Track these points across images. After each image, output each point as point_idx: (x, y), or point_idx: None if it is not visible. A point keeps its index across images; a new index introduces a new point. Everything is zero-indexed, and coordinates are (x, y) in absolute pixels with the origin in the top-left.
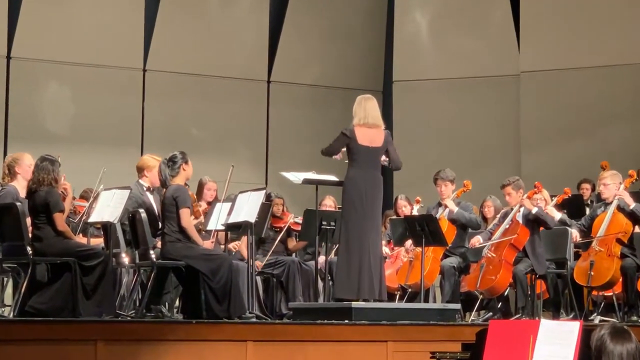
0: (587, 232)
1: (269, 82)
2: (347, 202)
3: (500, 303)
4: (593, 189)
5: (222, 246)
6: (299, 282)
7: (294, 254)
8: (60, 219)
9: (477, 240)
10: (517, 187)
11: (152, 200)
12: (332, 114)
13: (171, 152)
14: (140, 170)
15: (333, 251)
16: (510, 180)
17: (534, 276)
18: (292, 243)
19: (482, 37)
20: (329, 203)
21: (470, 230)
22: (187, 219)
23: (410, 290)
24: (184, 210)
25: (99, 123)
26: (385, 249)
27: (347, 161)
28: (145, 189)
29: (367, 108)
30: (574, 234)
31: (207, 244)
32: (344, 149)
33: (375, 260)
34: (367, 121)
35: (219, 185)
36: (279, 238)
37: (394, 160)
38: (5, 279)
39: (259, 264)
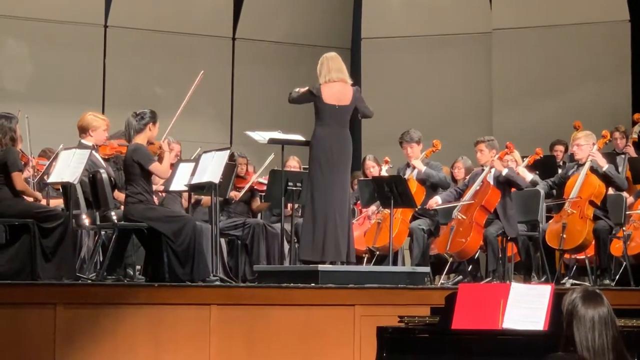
0: (557, 190)
1: (234, 39)
2: (313, 161)
3: (470, 266)
4: (566, 151)
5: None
6: (263, 245)
7: (259, 216)
8: (19, 178)
9: (434, 202)
10: (491, 146)
11: (100, 159)
12: (298, 71)
13: (133, 111)
14: (84, 130)
15: (300, 212)
16: (485, 138)
17: (505, 239)
18: (256, 203)
19: None
20: (294, 164)
21: (440, 190)
22: (162, 171)
23: (378, 252)
24: (153, 166)
25: (58, 81)
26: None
27: None
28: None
29: (330, 64)
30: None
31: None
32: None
33: (342, 221)
34: (331, 76)
35: (183, 144)
36: (239, 196)
37: (364, 113)
38: None
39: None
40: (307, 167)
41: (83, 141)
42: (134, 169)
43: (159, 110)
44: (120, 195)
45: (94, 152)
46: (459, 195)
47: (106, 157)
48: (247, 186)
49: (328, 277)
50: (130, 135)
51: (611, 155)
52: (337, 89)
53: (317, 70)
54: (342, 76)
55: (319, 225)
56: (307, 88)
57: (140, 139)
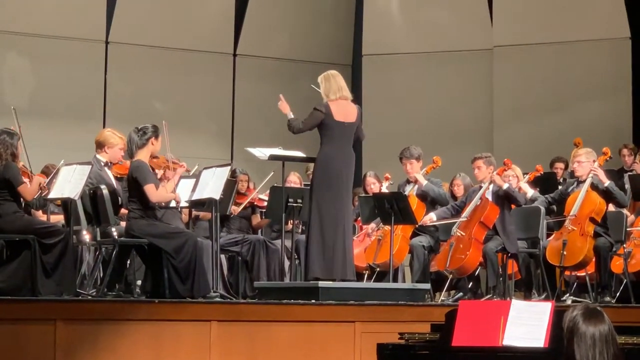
0: (556, 206)
1: (234, 55)
2: (322, 179)
3: (470, 283)
4: (566, 168)
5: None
6: (263, 261)
7: (259, 232)
8: (25, 190)
9: (429, 218)
10: (489, 163)
11: (111, 176)
12: (299, 88)
13: (134, 127)
14: (101, 145)
15: (300, 229)
16: (483, 155)
17: (505, 255)
18: (257, 220)
19: (455, 10)
20: (294, 179)
21: (438, 207)
22: (155, 194)
23: (378, 269)
24: (147, 187)
25: (59, 96)
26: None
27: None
28: (103, 164)
29: (339, 82)
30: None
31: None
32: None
33: (348, 239)
34: (342, 94)
35: (184, 161)
36: (239, 211)
37: (360, 135)
38: None
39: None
40: (309, 183)
41: (98, 156)
42: (134, 185)
43: (160, 126)
44: (125, 212)
45: (106, 168)
46: (456, 212)
47: (119, 175)
48: (247, 201)
49: (328, 293)
50: (132, 151)
51: (617, 172)
52: (344, 106)
53: (324, 87)
54: (347, 95)
55: (328, 244)
56: (316, 113)
57: (143, 155)
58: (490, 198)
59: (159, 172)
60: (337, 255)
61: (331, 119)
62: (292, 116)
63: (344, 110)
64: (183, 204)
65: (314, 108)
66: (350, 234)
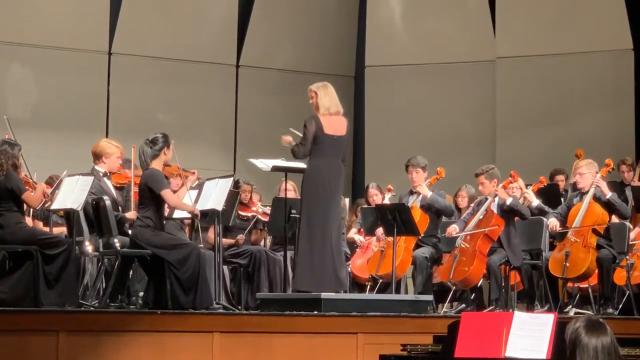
0: (564, 220)
1: (237, 66)
2: (310, 191)
3: (473, 294)
4: (567, 179)
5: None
6: (265, 272)
7: (261, 243)
8: (29, 198)
9: (453, 229)
10: (491, 176)
11: (110, 186)
12: (302, 99)
13: (137, 138)
14: (98, 156)
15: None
16: (484, 169)
17: (508, 267)
18: (256, 235)
19: (457, 21)
20: (289, 187)
21: (443, 218)
22: (172, 199)
23: (381, 280)
24: (164, 192)
25: (62, 107)
26: (360, 237)
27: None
28: (101, 175)
29: (331, 95)
30: (554, 223)
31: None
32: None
33: (338, 250)
34: (332, 110)
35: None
36: (248, 228)
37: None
38: None
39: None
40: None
41: (97, 167)
42: (146, 193)
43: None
44: (133, 215)
45: (105, 179)
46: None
47: (118, 185)
48: (252, 215)
49: (331, 305)
50: (147, 163)
51: (619, 186)
52: (334, 119)
53: (317, 99)
54: (341, 110)
55: (317, 256)
56: (310, 128)
57: (156, 165)
58: (495, 211)
59: (172, 181)
60: (327, 267)
61: (322, 132)
62: (294, 143)
63: (334, 124)
64: (186, 214)
65: (304, 125)
66: (340, 245)
